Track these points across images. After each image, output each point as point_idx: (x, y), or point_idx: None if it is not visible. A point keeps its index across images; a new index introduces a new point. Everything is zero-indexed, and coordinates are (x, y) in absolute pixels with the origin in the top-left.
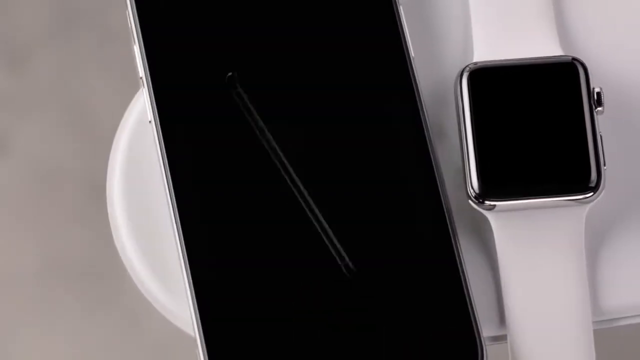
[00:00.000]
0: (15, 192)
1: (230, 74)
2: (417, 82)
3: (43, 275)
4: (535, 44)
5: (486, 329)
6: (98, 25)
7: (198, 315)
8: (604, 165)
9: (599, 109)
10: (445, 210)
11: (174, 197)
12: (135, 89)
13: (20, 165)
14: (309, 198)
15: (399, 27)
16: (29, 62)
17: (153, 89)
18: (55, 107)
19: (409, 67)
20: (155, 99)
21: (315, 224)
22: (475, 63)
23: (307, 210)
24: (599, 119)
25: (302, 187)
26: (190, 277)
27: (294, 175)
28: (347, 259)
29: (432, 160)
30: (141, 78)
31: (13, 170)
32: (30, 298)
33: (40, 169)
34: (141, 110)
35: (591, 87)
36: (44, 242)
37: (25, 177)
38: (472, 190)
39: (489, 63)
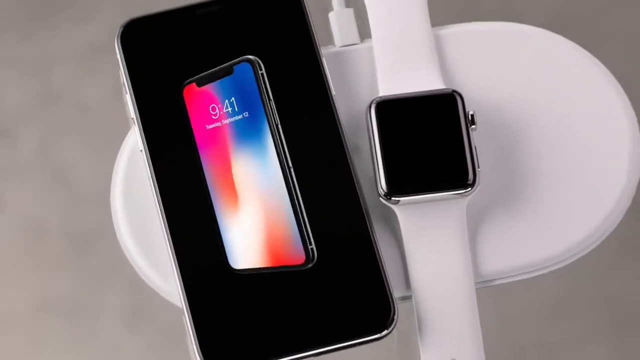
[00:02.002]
0: (9, 244)
1: None
2: (338, 113)
3: (35, 314)
4: (424, 81)
5: (396, 291)
6: (74, 101)
7: (184, 290)
8: (478, 167)
9: (473, 127)
10: (363, 206)
11: (160, 202)
12: (107, 154)
13: (12, 221)
14: (261, 203)
15: (323, 73)
16: (17, 135)
17: (142, 126)
18: (41, 173)
19: (331, 102)
20: (144, 133)
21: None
22: (381, 97)
23: (260, 210)
24: (473, 134)
25: (253, 196)
26: (176, 260)
27: (242, 187)
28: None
29: (352, 170)
30: (132, 118)
31: (7, 225)
32: (24, 335)
33: (29, 224)
34: (133, 142)
35: (467, 111)
36: (35, 285)
37: (17, 231)
38: (381, 190)
39: (390, 96)
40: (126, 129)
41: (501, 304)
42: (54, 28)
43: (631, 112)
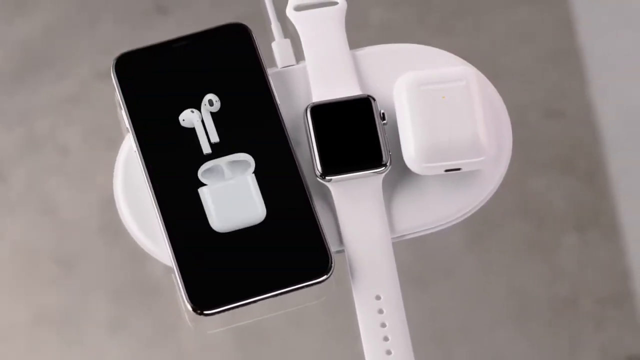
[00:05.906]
0: (6, 267)
1: None
2: (282, 117)
3: (31, 329)
4: (346, 89)
5: (332, 247)
6: (54, 145)
7: (172, 252)
8: (390, 152)
9: (384, 122)
10: (304, 184)
11: (151, 187)
12: (87, 187)
13: (8, 248)
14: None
15: (270, 87)
16: (8, 175)
17: (134, 132)
18: (30, 205)
19: (277, 109)
20: (137, 137)
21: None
22: (314, 102)
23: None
24: (385, 127)
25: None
26: (165, 228)
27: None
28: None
29: (295, 159)
30: (127, 127)
31: (3, 251)
32: (22, 350)
33: (22, 250)
34: (129, 146)
35: (379, 110)
36: (29, 302)
37: (11, 256)
38: (317, 172)
39: (321, 102)
40: (101, 164)
41: (423, 294)
42: (33, 87)
43: (501, 102)
